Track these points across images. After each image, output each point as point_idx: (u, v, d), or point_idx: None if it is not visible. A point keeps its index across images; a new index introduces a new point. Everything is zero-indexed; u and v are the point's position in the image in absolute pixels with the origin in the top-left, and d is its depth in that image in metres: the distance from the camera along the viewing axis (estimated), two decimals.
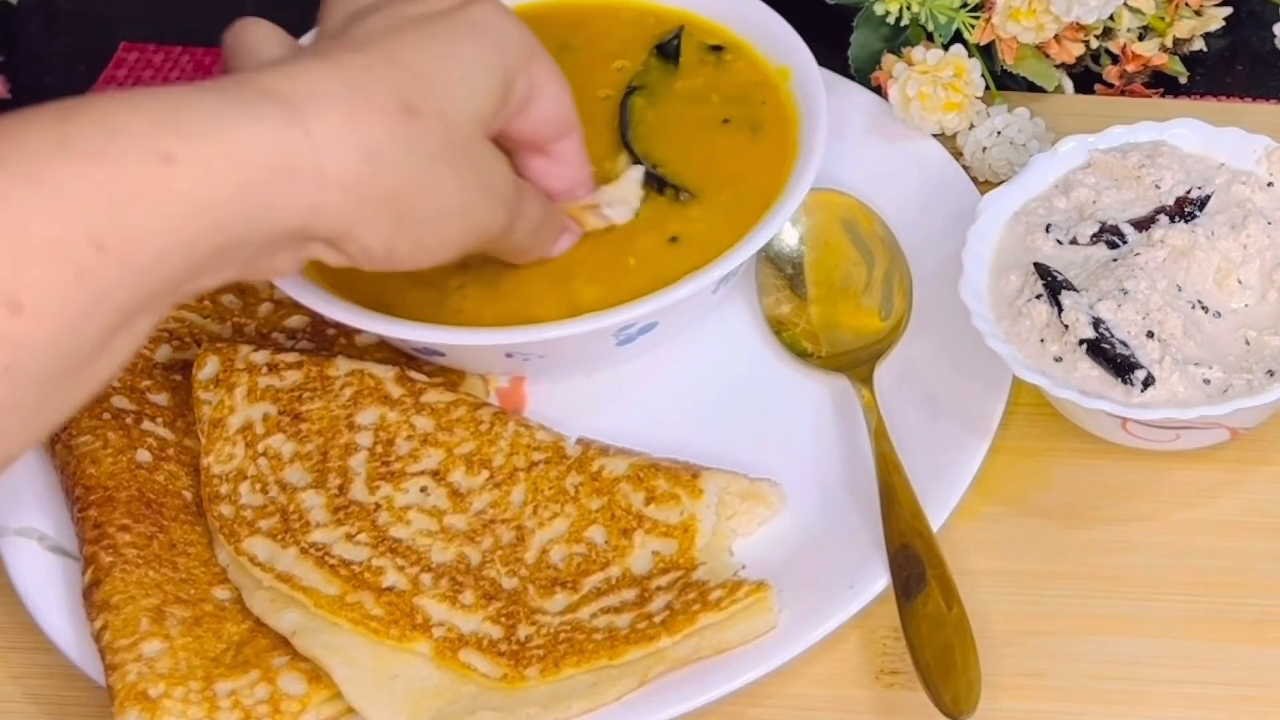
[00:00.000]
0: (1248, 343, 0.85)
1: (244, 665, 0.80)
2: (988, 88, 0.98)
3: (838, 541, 0.84)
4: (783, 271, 0.94)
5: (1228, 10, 1.03)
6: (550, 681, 0.79)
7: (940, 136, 0.98)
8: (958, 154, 0.98)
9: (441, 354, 0.89)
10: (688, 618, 0.79)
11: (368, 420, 0.87)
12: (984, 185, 0.96)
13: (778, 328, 0.92)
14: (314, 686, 0.79)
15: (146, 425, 0.88)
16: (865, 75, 1.01)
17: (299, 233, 0.70)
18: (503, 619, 0.80)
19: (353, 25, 0.77)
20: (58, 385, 0.64)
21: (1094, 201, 0.89)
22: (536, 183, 0.85)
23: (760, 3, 0.97)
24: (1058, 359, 0.84)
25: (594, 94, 0.95)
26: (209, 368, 0.88)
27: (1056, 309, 0.85)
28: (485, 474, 0.85)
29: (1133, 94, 1.04)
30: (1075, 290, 0.85)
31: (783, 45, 0.95)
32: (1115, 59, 1.03)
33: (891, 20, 0.99)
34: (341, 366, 0.88)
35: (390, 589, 0.81)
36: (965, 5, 0.99)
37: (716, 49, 0.97)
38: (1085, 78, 1.04)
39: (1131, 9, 1.01)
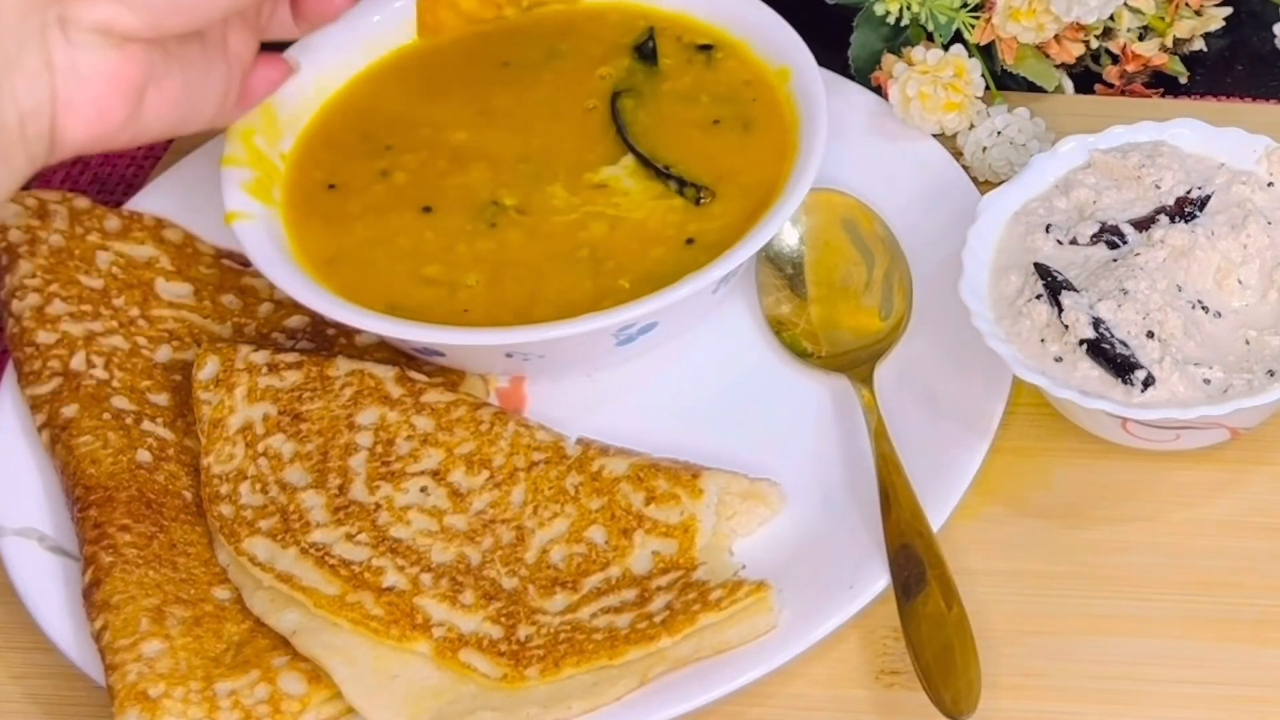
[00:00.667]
0: (1248, 343, 0.85)
1: (244, 665, 0.80)
2: (988, 88, 0.98)
3: (838, 541, 0.84)
4: (783, 271, 0.94)
5: (1228, 10, 1.03)
6: (550, 681, 0.79)
7: (940, 136, 0.98)
8: (958, 154, 0.98)
9: (441, 354, 0.89)
10: (688, 618, 0.79)
11: (368, 420, 0.87)
12: (984, 185, 0.96)
13: (778, 328, 0.92)
14: (314, 686, 0.79)
15: (146, 425, 0.88)
16: (865, 75, 1.01)
17: None
18: (503, 619, 0.81)
19: None
20: None
21: (1094, 201, 0.89)
22: None
23: (759, 2, 0.97)
24: (1058, 359, 0.84)
25: (581, 105, 0.95)
26: (209, 368, 0.88)
27: (1056, 309, 0.85)
28: (485, 474, 0.85)
29: (1133, 94, 1.04)
30: (1075, 290, 0.85)
31: (782, 45, 0.95)
32: (1115, 59, 1.03)
33: (891, 20, 0.99)
34: (341, 366, 0.89)
35: (390, 589, 0.81)
36: (965, 5, 0.99)
37: (705, 48, 0.97)
38: (1085, 78, 1.04)
39: (1131, 9, 1.01)
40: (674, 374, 0.91)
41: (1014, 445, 0.88)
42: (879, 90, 1.00)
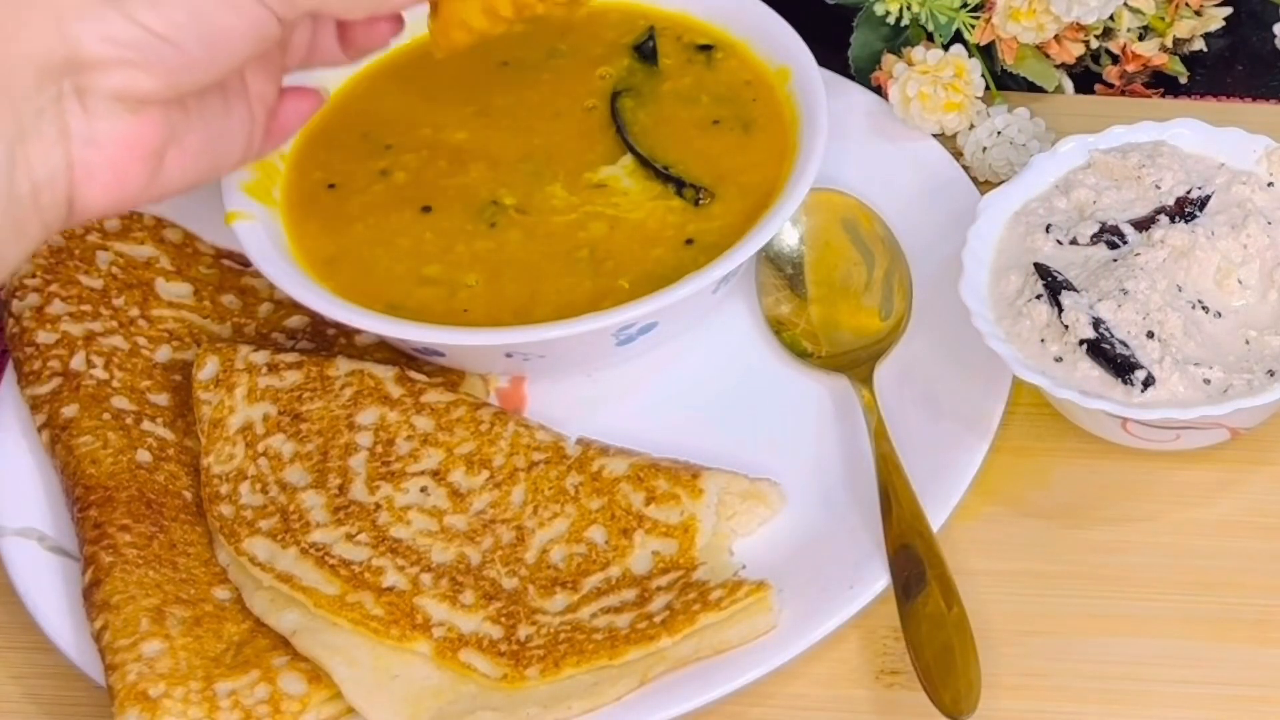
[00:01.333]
0: (1248, 343, 0.85)
1: (244, 665, 0.80)
2: (988, 88, 0.98)
3: (838, 541, 0.84)
4: (783, 271, 0.94)
5: (1228, 10, 1.03)
6: (550, 681, 0.79)
7: (940, 136, 0.98)
8: (958, 154, 0.98)
9: (441, 354, 0.89)
10: (688, 618, 0.79)
11: (368, 420, 0.87)
12: (984, 185, 0.96)
13: (778, 328, 0.92)
14: (314, 686, 0.79)
15: (146, 425, 0.88)
16: (865, 75, 1.01)
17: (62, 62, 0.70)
18: (503, 619, 0.81)
19: None
20: None
21: (1094, 201, 0.89)
22: None
23: (759, 2, 0.97)
24: (1058, 359, 0.84)
25: (581, 105, 0.95)
26: (209, 368, 0.88)
27: (1056, 309, 0.85)
28: (485, 474, 0.85)
29: (1133, 94, 1.04)
30: (1075, 290, 0.85)
31: (782, 45, 0.95)
32: (1115, 59, 1.03)
33: (891, 20, 0.99)
34: (341, 366, 0.89)
35: (390, 589, 0.81)
36: (965, 5, 0.99)
37: (705, 48, 0.97)
38: (1085, 78, 1.04)
39: (1131, 9, 1.01)
40: (674, 374, 0.91)
41: (1014, 445, 0.88)
42: (879, 90, 1.00)
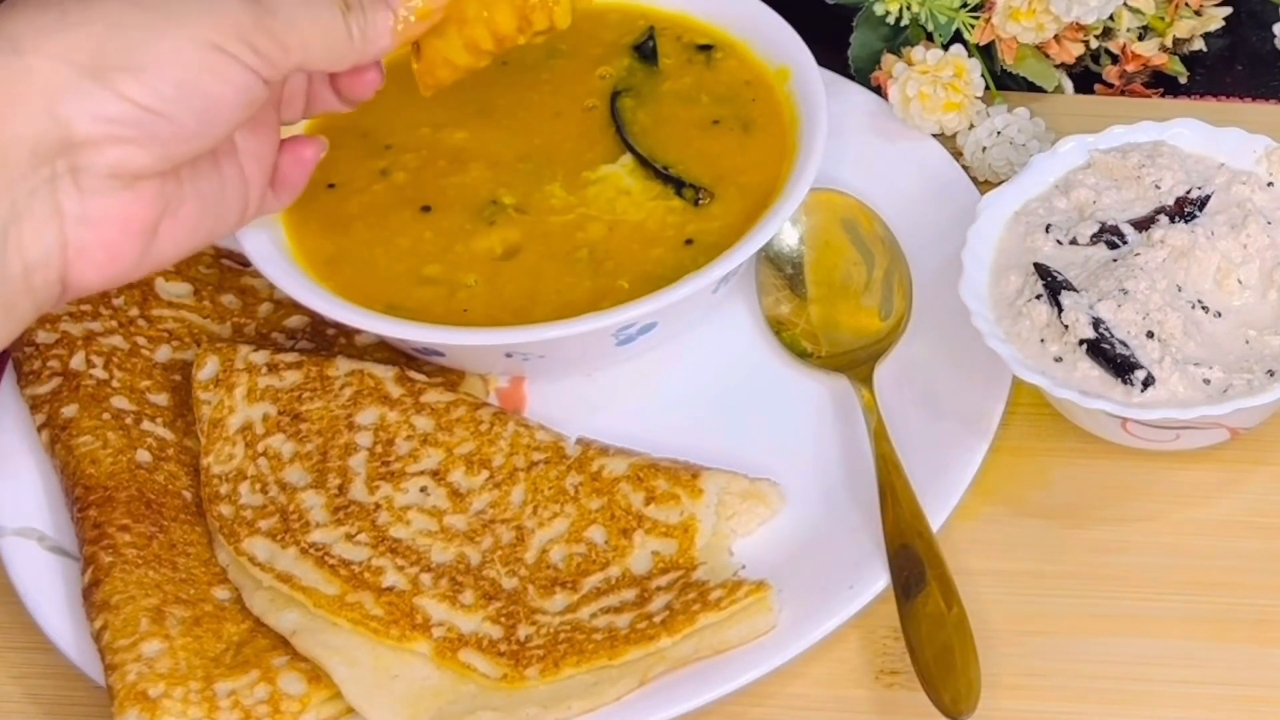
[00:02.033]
0: (1248, 343, 0.85)
1: (244, 665, 0.80)
2: (988, 88, 0.98)
3: (838, 541, 0.84)
4: (783, 271, 0.94)
5: (1228, 10, 1.03)
6: (550, 681, 0.79)
7: (940, 136, 0.98)
8: (958, 154, 0.98)
9: (441, 354, 0.89)
10: (687, 618, 0.79)
11: (367, 420, 0.87)
12: (984, 185, 0.96)
13: (778, 328, 0.92)
14: (314, 686, 0.79)
15: (146, 425, 0.88)
16: (865, 75, 1.01)
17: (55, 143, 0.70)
18: (503, 619, 0.80)
19: None
20: None
21: (1094, 201, 0.89)
22: None
23: (759, 2, 0.97)
24: (1058, 359, 0.84)
25: (581, 105, 0.95)
26: (208, 368, 0.88)
27: (1056, 309, 0.85)
28: (485, 474, 0.85)
29: (1133, 94, 1.04)
30: (1075, 290, 0.85)
31: (782, 45, 0.95)
32: (1115, 59, 1.03)
33: (891, 20, 0.99)
34: (341, 366, 0.89)
35: (390, 589, 0.81)
36: (965, 5, 0.99)
37: (705, 48, 0.97)
38: (1085, 78, 1.04)
39: (1131, 9, 1.01)
40: (674, 374, 0.91)
41: (1014, 445, 0.88)
42: (879, 90, 1.00)
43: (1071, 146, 0.92)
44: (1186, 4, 1.02)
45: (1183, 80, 1.04)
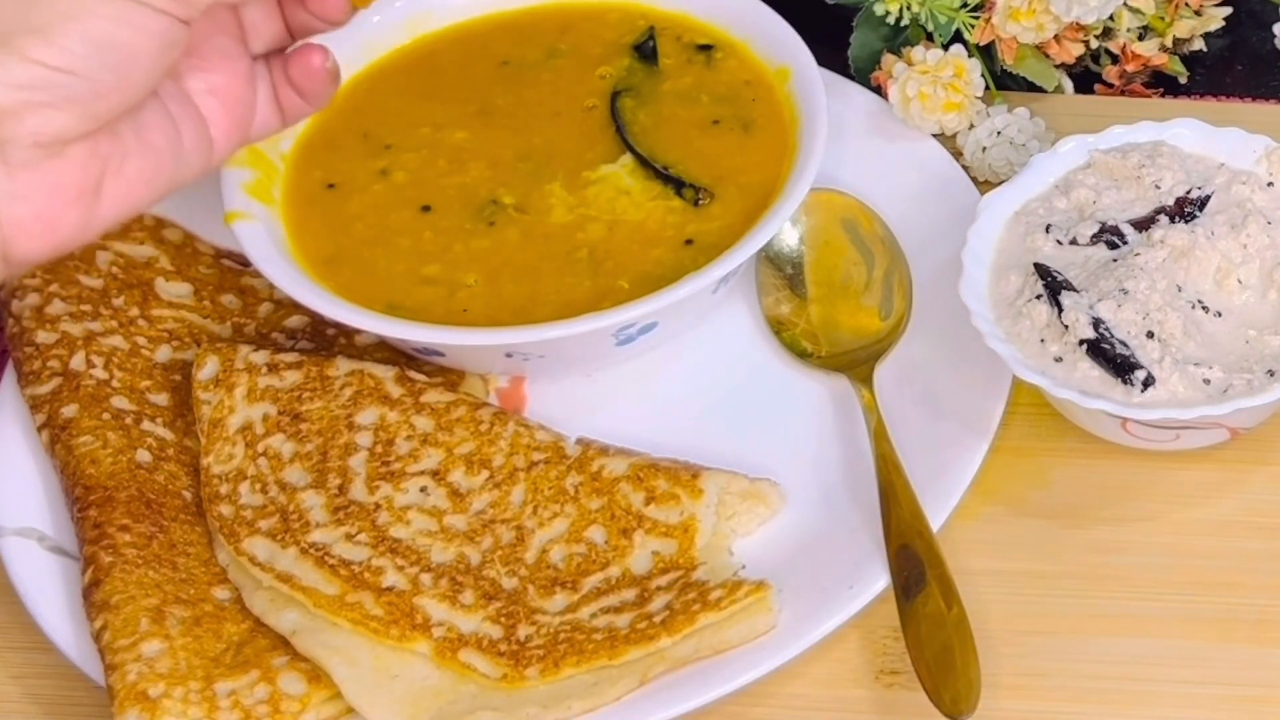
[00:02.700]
0: (1248, 343, 0.85)
1: (244, 665, 0.80)
2: (988, 88, 0.98)
3: (838, 541, 0.84)
4: (783, 271, 0.94)
5: (1228, 10, 1.03)
6: (550, 681, 0.79)
7: (940, 136, 0.98)
8: (958, 154, 0.98)
9: (441, 354, 0.89)
10: (688, 618, 0.79)
11: (368, 420, 0.87)
12: (984, 185, 0.96)
13: (778, 328, 0.92)
14: (314, 686, 0.79)
15: (146, 425, 0.88)
16: (865, 75, 1.01)
17: None
18: (503, 619, 0.81)
19: None
20: None
21: (1094, 201, 0.89)
22: None
23: (759, 2, 0.97)
24: (1058, 359, 0.84)
25: (581, 104, 0.95)
26: (209, 368, 0.88)
27: (1056, 309, 0.85)
28: (485, 474, 0.85)
29: (1133, 94, 1.04)
30: (1075, 290, 0.85)
31: (782, 45, 0.95)
32: (1115, 59, 1.03)
33: (891, 20, 0.99)
34: (341, 366, 0.89)
35: (390, 589, 0.81)
36: (965, 5, 0.99)
37: (705, 48, 0.97)
38: (1085, 78, 1.04)
39: (1131, 9, 1.01)
40: (674, 374, 0.91)
41: (1014, 445, 0.88)
42: (879, 90, 1.00)
43: (1071, 146, 0.92)
44: (1186, 4, 1.02)
45: (1183, 80, 1.04)
